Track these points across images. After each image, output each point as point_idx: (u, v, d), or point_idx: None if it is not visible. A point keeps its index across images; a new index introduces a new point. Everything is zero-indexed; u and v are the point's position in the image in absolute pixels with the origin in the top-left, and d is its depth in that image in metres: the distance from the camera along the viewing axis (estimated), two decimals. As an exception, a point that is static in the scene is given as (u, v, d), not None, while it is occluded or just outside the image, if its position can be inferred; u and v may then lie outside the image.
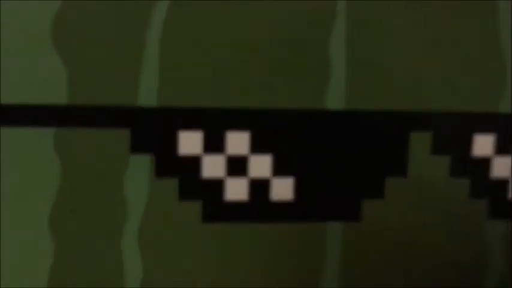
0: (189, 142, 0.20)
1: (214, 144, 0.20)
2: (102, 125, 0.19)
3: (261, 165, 0.21)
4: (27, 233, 0.20)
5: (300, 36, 0.20)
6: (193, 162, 0.20)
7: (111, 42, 0.19)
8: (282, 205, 0.21)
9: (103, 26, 0.19)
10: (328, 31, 0.20)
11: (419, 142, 0.21)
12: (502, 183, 0.22)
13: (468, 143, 0.22)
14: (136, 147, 0.20)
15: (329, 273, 0.22)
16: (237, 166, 0.20)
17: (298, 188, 0.21)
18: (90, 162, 0.19)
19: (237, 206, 0.21)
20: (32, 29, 0.19)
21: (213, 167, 0.20)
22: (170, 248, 0.20)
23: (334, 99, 0.21)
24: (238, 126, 0.20)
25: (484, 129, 0.22)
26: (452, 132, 0.21)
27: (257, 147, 0.20)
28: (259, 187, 0.21)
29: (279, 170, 0.21)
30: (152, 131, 0.20)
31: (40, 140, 0.19)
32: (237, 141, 0.20)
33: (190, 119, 0.20)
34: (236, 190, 0.21)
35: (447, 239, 0.22)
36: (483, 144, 0.22)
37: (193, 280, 0.20)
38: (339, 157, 0.21)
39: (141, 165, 0.20)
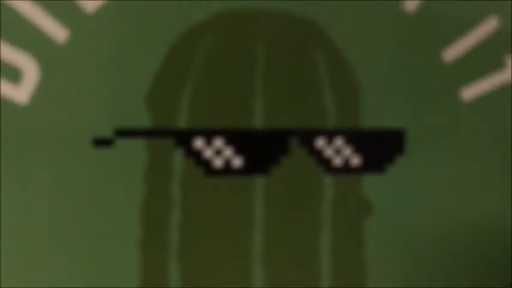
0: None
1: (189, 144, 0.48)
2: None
3: (222, 151, 0.49)
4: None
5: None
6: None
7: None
8: (233, 170, 0.49)
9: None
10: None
11: (295, 142, 0.50)
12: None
13: (312, 141, 0.50)
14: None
15: (257, 199, 0.50)
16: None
17: (245, 161, 0.49)
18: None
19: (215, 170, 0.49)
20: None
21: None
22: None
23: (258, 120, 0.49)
24: (203, 134, 0.48)
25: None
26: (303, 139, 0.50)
27: (217, 144, 0.49)
28: (224, 161, 0.49)
29: (234, 152, 0.49)
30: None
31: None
32: (203, 142, 0.48)
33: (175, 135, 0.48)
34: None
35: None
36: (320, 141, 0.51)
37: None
38: (261, 150, 0.49)
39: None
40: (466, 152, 0.53)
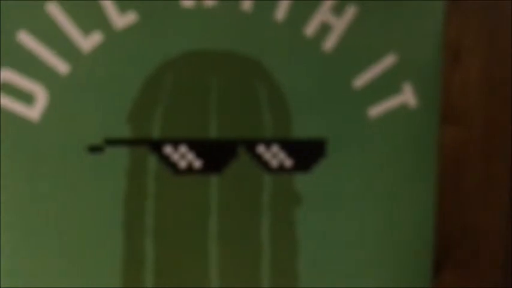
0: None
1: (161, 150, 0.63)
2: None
3: (185, 155, 0.64)
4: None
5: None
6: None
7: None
8: (195, 170, 0.64)
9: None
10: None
11: (241, 149, 0.65)
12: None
13: (254, 148, 0.66)
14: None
15: (212, 192, 0.65)
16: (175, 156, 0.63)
17: (203, 163, 0.64)
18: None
19: (180, 170, 0.63)
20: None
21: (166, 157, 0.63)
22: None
23: (213, 132, 0.64)
24: (171, 142, 0.63)
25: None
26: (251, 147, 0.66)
27: (177, 149, 0.64)
28: (187, 163, 0.64)
29: (195, 156, 0.64)
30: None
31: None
32: (171, 149, 0.63)
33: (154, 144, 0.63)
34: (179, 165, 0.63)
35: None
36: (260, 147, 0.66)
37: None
38: (216, 154, 0.64)
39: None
40: (373, 155, 0.69)
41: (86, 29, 0.60)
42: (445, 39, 0.70)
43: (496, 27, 0.75)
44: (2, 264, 0.59)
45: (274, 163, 0.66)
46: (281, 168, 0.66)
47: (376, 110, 0.68)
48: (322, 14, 0.65)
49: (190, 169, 0.64)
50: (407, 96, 0.68)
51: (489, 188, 0.74)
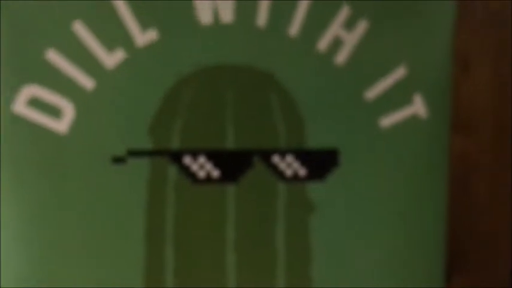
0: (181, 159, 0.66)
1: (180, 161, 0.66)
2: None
3: (204, 165, 0.67)
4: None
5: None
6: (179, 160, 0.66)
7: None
8: (213, 179, 0.67)
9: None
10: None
11: (257, 159, 0.68)
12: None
13: (269, 158, 0.68)
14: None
15: (229, 201, 0.67)
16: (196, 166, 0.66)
17: (220, 172, 0.67)
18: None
19: (199, 180, 0.66)
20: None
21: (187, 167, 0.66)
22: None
23: (230, 143, 0.67)
24: (190, 153, 0.66)
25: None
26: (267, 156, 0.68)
27: (197, 159, 0.67)
28: (206, 173, 0.67)
29: (213, 166, 0.67)
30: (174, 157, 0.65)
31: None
32: (190, 159, 0.66)
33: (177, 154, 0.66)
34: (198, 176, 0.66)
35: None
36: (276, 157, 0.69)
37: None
38: (233, 164, 0.67)
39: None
40: (385, 164, 0.71)
41: (110, 46, 0.63)
42: (454, 50, 0.72)
43: (504, 37, 0.77)
44: (27, 271, 0.63)
45: (288, 172, 0.68)
46: (295, 178, 0.68)
47: (387, 121, 0.70)
48: (335, 29, 0.67)
49: (208, 179, 0.66)
50: (418, 107, 0.70)
51: (498, 194, 0.76)
